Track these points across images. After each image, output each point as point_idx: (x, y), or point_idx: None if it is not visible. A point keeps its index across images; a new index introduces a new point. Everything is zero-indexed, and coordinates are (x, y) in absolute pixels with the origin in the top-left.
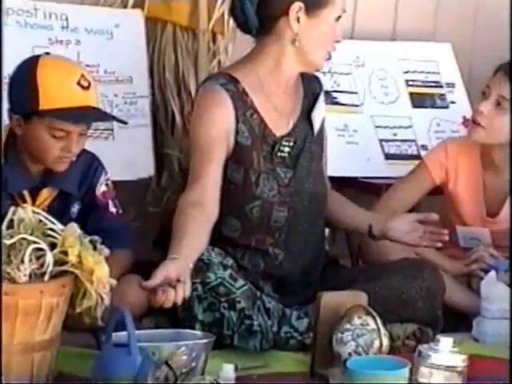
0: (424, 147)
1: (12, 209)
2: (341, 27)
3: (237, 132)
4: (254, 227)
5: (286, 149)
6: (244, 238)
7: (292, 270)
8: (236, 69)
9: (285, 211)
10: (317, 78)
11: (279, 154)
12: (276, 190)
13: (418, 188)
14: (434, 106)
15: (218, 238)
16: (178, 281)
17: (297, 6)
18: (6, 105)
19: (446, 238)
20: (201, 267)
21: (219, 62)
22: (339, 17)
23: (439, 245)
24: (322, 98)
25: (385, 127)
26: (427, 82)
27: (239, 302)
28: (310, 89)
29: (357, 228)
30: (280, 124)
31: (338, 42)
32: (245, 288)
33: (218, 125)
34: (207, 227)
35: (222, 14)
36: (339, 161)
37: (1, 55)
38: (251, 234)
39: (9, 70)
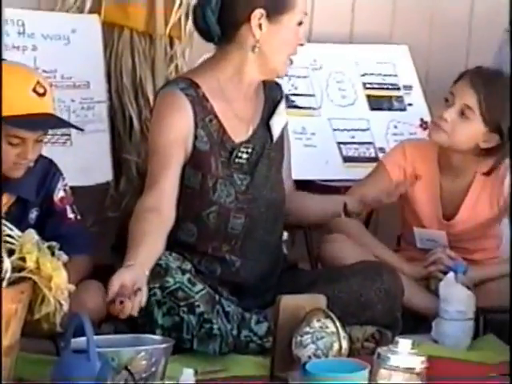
0: (382, 150)
1: None
2: (303, 30)
3: (195, 137)
4: (210, 233)
5: (244, 155)
6: (201, 243)
7: (249, 276)
8: (197, 74)
9: (242, 218)
10: (278, 85)
11: (237, 160)
12: (233, 196)
13: (376, 190)
14: (391, 109)
15: (174, 243)
16: (138, 289)
17: (258, 12)
18: None
19: None
20: (159, 272)
21: (176, 66)
22: (301, 21)
23: None
24: (282, 105)
25: (342, 130)
26: (384, 84)
27: (198, 306)
28: (271, 96)
29: (331, 214)
30: (239, 130)
31: (301, 45)
32: (204, 292)
33: (177, 130)
34: (163, 232)
35: (179, 19)
36: (297, 164)
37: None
38: (208, 240)
39: None
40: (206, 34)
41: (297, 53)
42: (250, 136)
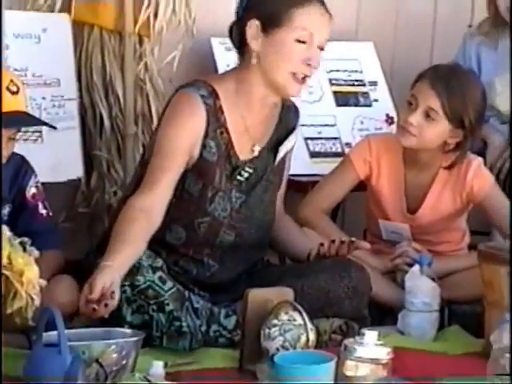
0: (348, 145)
1: None
2: (314, 53)
3: (204, 146)
4: (198, 241)
5: (246, 174)
6: (185, 248)
7: (223, 279)
8: (219, 82)
9: (232, 235)
10: (297, 111)
11: (238, 177)
12: (228, 212)
13: (344, 183)
14: (357, 105)
15: (156, 241)
16: (112, 292)
17: (252, 23)
18: None
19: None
20: (130, 270)
21: (146, 64)
22: (303, 41)
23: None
24: (294, 134)
25: (309, 126)
26: (350, 80)
27: (168, 304)
28: (285, 119)
29: (303, 251)
30: (246, 148)
31: (309, 65)
32: (173, 290)
33: (186, 137)
34: (147, 236)
35: (148, 17)
36: None
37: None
38: (193, 246)
39: None
40: (234, 44)
41: (306, 72)
42: (255, 156)
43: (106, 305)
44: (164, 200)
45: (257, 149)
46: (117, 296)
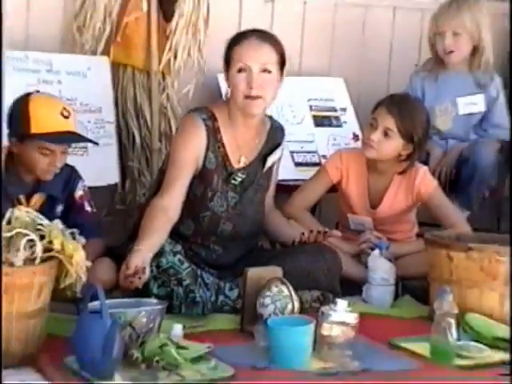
0: (324, 157)
1: (10, 209)
2: (252, 77)
3: (205, 158)
4: (203, 231)
5: (239, 179)
6: (194, 236)
7: (226, 261)
8: (218, 108)
9: (229, 226)
10: (283, 131)
11: (232, 181)
12: (225, 208)
13: (320, 186)
14: (331, 126)
15: (174, 232)
16: (144, 268)
17: (223, 67)
18: (5, 128)
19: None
20: (156, 254)
21: (167, 95)
22: (242, 70)
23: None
24: (280, 148)
25: (294, 142)
26: (326, 107)
27: (185, 280)
28: (273, 137)
29: (289, 239)
30: (238, 158)
31: (251, 88)
32: (189, 269)
33: (192, 151)
34: (167, 228)
35: (169, 59)
36: None
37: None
38: (201, 235)
39: (8, 102)
40: None
41: (251, 94)
42: (247, 165)
43: (139, 278)
44: (178, 200)
45: (243, 160)
46: (147, 271)
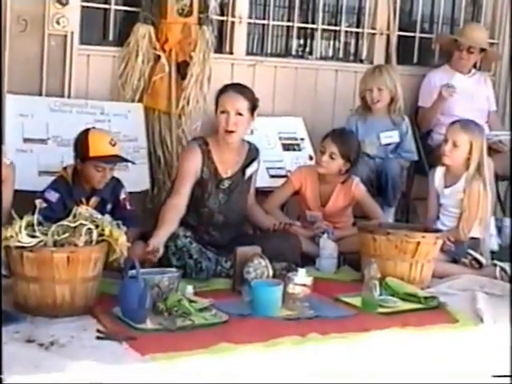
0: (289, 171)
1: (75, 207)
2: (229, 118)
3: (202, 171)
4: (204, 221)
5: (226, 185)
6: (198, 225)
7: (222, 242)
8: (211, 137)
9: (221, 217)
10: (257, 149)
11: (221, 186)
12: (217, 205)
13: (287, 192)
14: (294, 150)
15: (185, 222)
16: (158, 249)
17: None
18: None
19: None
20: (173, 237)
21: (182, 129)
22: (223, 112)
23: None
24: (255, 162)
25: (269, 161)
26: (290, 137)
27: (194, 255)
28: (251, 155)
29: (266, 227)
30: (225, 171)
31: (227, 124)
32: (197, 248)
33: (191, 166)
34: (177, 219)
35: (183, 106)
36: None
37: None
38: (203, 224)
39: (74, 135)
40: None
41: (227, 129)
42: (231, 175)
43: (155, 255)
44: (184, 200)
45: (228, 171)
46: (161, 250)
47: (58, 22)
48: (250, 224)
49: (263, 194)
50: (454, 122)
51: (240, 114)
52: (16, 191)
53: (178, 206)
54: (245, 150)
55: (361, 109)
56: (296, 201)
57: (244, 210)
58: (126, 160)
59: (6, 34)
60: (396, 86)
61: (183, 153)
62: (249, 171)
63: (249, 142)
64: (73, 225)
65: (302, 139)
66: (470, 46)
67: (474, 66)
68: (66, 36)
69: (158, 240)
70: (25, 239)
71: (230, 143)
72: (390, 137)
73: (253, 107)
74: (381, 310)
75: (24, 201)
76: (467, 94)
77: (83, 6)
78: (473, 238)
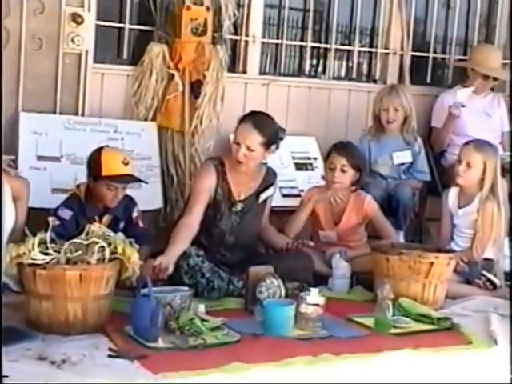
0: (302, 191)
1: (88, 225)
2: (239, 150)
3: (216, 191)
4: (215, 242)
5: (239, 208)
6: (210, 245)
7: (233, 262)
8: (227, 157)
9: (233, 238)
10: (275, 174)
11: (234, 209)
12: (230, 226)
13: (303, 214)
14: (307, 170)
15: (198, 241)
16: (167, 267)
17: None
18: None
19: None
20: (186, 256)
21: (195, 148)
22: (237, 143)
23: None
24: (271, 188)
25: (281, 180)
26: (303, 157)
27: (206, 273)
28: (268, 179)
29: (279, 246)
30: (239, 194)
31: (237, 153)
32: (209, 267)
33: (206, 185)
34: (189, 239)
35: (196, 125)
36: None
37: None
38: (214, 245)
39: (87, 153)
40: None
41: (237, 158)
42: (244, 198)
43: (163, 273)
44: (197, 219)
45: (242, 195)
46: (170, 269)
47: (72, 41)
48: (262, 243)
49: (276, 213)
50: (467, 143)
51: (250, 149)
52: (29, 208)
53: (190, 226)
54: (261, 175)
55: (373, 129)
56: (309, 221)
57: (256, 231)
58: (139, 180)
59: (22, 52)
60: (411, 106)
61: (198, 172)
62: (263, 196)
63: (267, 166)
64: (85, 242)
65: (315, 159)
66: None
67: None
68: (80, 54)
69: (168, 258)
70: (38, 256)
71: (240, 172)
72: (403, 157)
73: (269, 142)
74: (394, 330)
75: (37, 218)
76: (481, 115)
77: (98, 25)
78: (486, 259)
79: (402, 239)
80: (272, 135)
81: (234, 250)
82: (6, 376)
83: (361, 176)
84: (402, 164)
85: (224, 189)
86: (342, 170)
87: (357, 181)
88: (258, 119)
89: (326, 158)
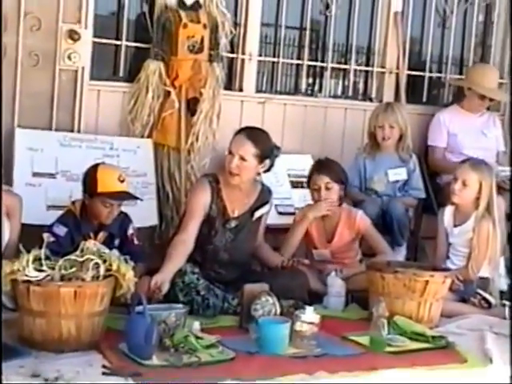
0: (297, 208)
1: (83, 242)
2: (232, 160)
3: (210, 208)
4: (209, 258)
5: (233, 224)
6: (204, 262)
7: (227, 279)
8: (221, 173)
9: (227, 255)
10: (271, 192)
11: (228, 226)
12: (224, 243)
13: (298, 234)
14: (302, 187)
15: (192, 260)
16: (161, 285)
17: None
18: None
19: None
20: (181, 273)
21: (191, 165)
22: (230, 153)
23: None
24: (267, 205)
25: (277, 198)
26: (299, 175)
27: (201, 291)
28: (262, 197)
29: (274, 264)
30: (233, 211)
31: (230, 165)
32: (204, 284)
33: (200, 202)
34: (185, 255)
35: (192, 142)
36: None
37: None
38: (208, 261)
39: (83, 170)
40: None
41: (229, 170)
42: (238, 215)
43: (158, 292)
44: (192, 236)
45: (236, 212)
46: (166, 288)
47: (69, 58)
48: (257, 261)
49: (272, 231)
50: (463, 161)
51: (243, 159)
52: (24, 225)
53: (185, 242)
54: (256, 192)
55: (368, 147)
56: (302, 240)
57: (251, 249)
58: (134, 197)
59: (18, 68)
60: (406, 124)
61: (193, 188)
62: (258, 213)
63: (262, 184)
64: (80, 259)
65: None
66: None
67: None
68: (76, 71)
69: (163, 276)
70: (32, 273)
71: (233, 185)
72: (399, 174)
73: (263, 155)
74: (389, 349)
75: (32, 235)
76: (477, 134)
77: (94, 42)
78: (482, 278)
79: (403, 255)
80: (266, 149)
81: (228, 268)
82: None
83: (345, 188)
84: (397, 181)
85: (218, 205)
86: (327, 188)
87: (344, 194)
88: (253, 132)
89: (309, 180)
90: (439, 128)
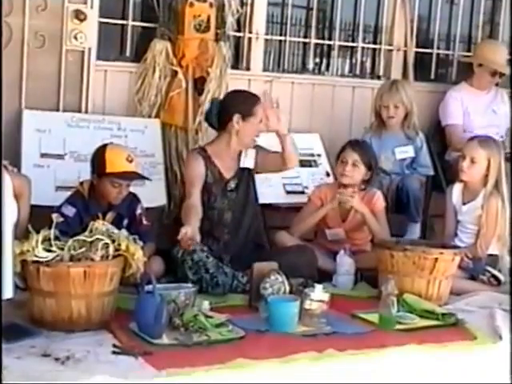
0: (306, 187)
1: (91, 222)
2: (260, 127)
3: (206, 176)
4: (215, 223)
5: (233, 185)
6: (211, 229)
7: (235, 247)
8: (209, 145)
9: (230, 214)
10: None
11: (229, 187)
12: (226, 203)
13: (317, 216)
14: (311, 166)
15: (203, 231)
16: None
17: (236, 117)
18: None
19: None
20: (190, 252)
21: (199, 145)
22: (261, 120)
23: None
24: (250, 150)
25: (285, 177)
26: (307, 153)
27: (210, 269)
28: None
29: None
30: (228, 172)
31: (259, 133)
32: (213, 262)
33: (196, 172)
34: (199, 217)
35: (200, 121)
36: (265, 193)
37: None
38: (215, 228)
39: (91, 151)
40: (211, 126)
41: (258, 136)
42: (233, 175)
43: (192, 243)
44: (198, 200)
45: (233, 172)
46: (197, 238)
47: (75, 38)
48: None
49: (279, 210)
50: (471, 138)
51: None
52: (33, 206)
53: (195, 206)
54: (238, 154)
55: (375, 125)
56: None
57: (252, 209)
58: (143, 177)
59: (24, 49)
60: (411, 102)
61: (186, 162)
62: (247, 161)
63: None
64: (89, 239)
65: (319, 155)
66: (495, 70)
67: None
68: (83, 52)
69: (191, 227)
70: (41, 254)
71: (221, 151)
72: (405, 152)
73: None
74: (398, 326)
75: (41, 216)
76: (486, 111)
77: (101, 22)
78: (491, 255)
79: (418, 231)
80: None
81: (235, 232)
82: None
83: (371, 176)
84: (404, 159)
85: (213, 171)
86: (354, 165)
87: (367, 180)
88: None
89: (339, 153)
90: (455, 106)
